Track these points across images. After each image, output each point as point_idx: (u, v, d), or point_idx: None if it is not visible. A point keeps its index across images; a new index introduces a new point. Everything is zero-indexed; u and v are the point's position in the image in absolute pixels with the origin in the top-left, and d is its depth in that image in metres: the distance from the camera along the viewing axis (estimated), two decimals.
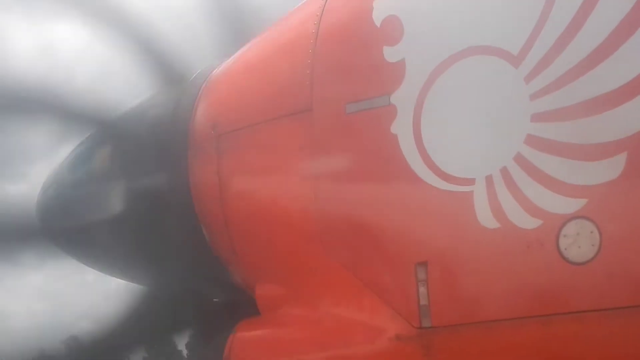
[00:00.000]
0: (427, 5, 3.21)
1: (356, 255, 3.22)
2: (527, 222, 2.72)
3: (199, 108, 3.94)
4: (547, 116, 2.73)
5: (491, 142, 2.87)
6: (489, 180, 2.81)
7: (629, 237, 2.61)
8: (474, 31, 2.97)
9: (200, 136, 3.83)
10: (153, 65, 4.43)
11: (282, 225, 3.51)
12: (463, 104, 2.96)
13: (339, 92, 3.29)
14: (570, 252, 2.65)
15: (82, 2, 4.37)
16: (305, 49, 3.44)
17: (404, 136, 3.03)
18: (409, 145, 3.01)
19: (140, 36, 4.36)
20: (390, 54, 3.13)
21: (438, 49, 3.01)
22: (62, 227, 4.81)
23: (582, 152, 2.67)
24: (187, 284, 4.36)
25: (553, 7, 2.77)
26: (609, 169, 2.61)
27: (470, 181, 2.85)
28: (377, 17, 3.21)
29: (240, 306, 3.81)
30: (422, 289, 2.92)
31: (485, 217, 2.79)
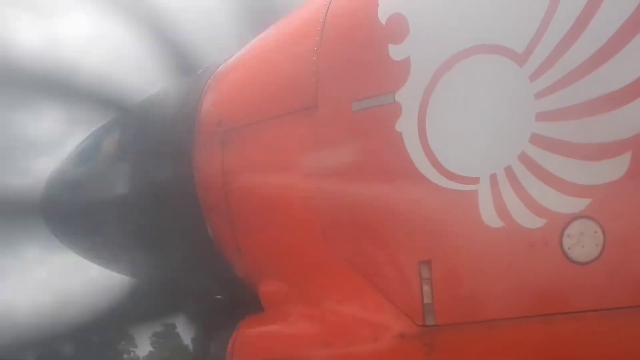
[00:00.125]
0: (432, 4, 3.22)
1: (360, 252, 3.22)
2: (531, 221, 2.73)
3: (205, 104, 3.95)
4: (551, 115, 2.73)
5: (496, 141, 2.88)
6: (493, 179, 2.81)
7: (633, 237, 2.61)
8: (479, 29, 2.97)
9: (205, 132, 3.84)
10: (167, 56, 4.42)
11: (287, 222, 3.52)
12: (468, 102, 2.96)
13: (344, 90, 3.29)
14: (573, 252, 2.66)
15: None
16: (310, 47, 3.45)
17: (408, 134, 3.04)
18: (414, 144, 3.01)
19: (157, 26, 4.36)
20: (396, 52, 3.13)
21: (443, 47, 3.01)
22: (66, 221, 4.83)
23: (587, 152, 2.67)
24: (190, 280, 4.37)
25: (558, 6, 2.77)
26: (613, 169, 2.61)
27: (475, 180, 2.85)
28: (383, 15, 3.22)
29: (244, 302, 3.81)
30: (426, 287, 2.93)
31: (490, 216, 2.80)
